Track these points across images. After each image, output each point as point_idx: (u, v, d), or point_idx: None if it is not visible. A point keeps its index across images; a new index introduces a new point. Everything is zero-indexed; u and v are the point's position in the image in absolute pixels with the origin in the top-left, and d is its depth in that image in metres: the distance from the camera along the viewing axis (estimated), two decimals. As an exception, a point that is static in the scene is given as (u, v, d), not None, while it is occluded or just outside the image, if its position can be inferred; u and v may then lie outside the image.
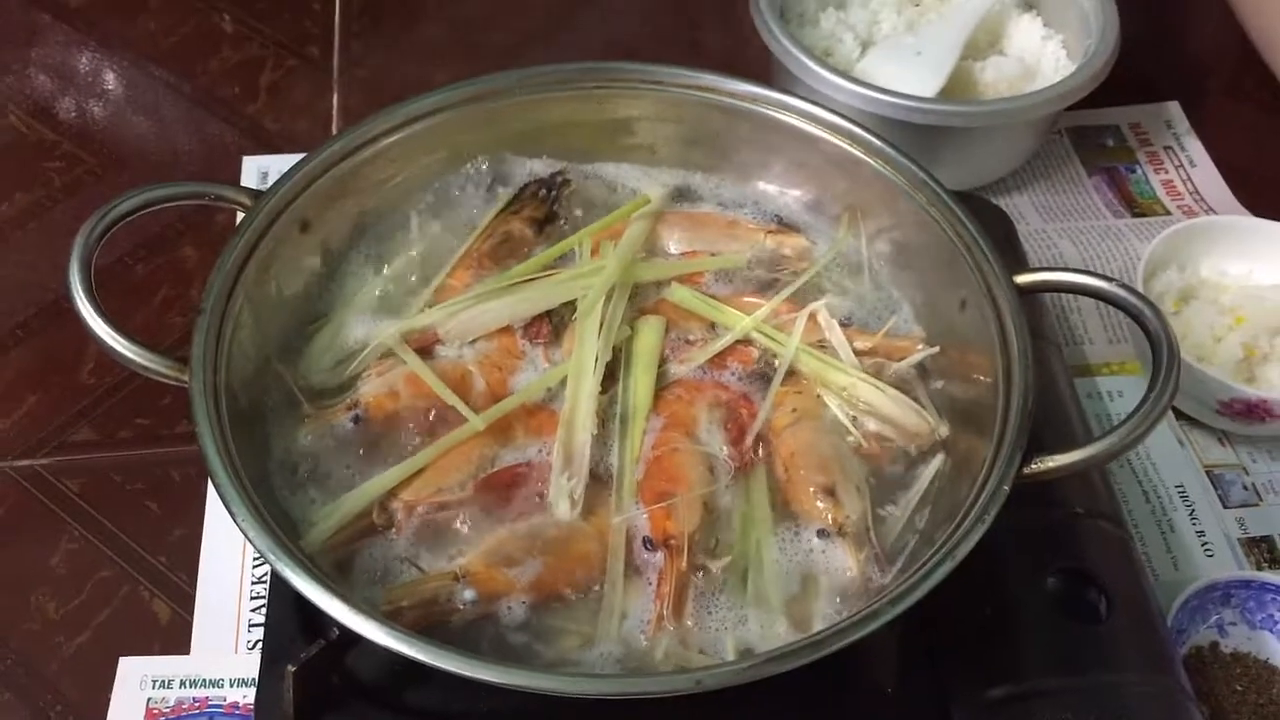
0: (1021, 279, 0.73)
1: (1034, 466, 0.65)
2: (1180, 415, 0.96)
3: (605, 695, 0.59)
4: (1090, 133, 1.20)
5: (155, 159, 1.17)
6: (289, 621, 0.70)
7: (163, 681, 0.81)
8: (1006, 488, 0.64)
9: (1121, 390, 1.00)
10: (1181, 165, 1.18)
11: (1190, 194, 1.16)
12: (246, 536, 0.61)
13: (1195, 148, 1.19)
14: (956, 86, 1.09)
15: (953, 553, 0.61)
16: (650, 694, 0.59)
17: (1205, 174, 1.17)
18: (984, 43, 1.15)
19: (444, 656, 0.57)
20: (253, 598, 0.86)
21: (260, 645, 0.81)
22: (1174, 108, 1.22)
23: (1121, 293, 0.70)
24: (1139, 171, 1.18)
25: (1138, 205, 1.14)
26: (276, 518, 0.65)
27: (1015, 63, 1.12)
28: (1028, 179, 1.15)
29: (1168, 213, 1.13)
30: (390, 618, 0.62)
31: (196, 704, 0.80)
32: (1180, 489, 0.94)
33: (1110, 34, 1.07)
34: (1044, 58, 1.13)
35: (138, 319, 1.02)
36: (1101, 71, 1.05)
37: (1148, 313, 0.69)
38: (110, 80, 1.25)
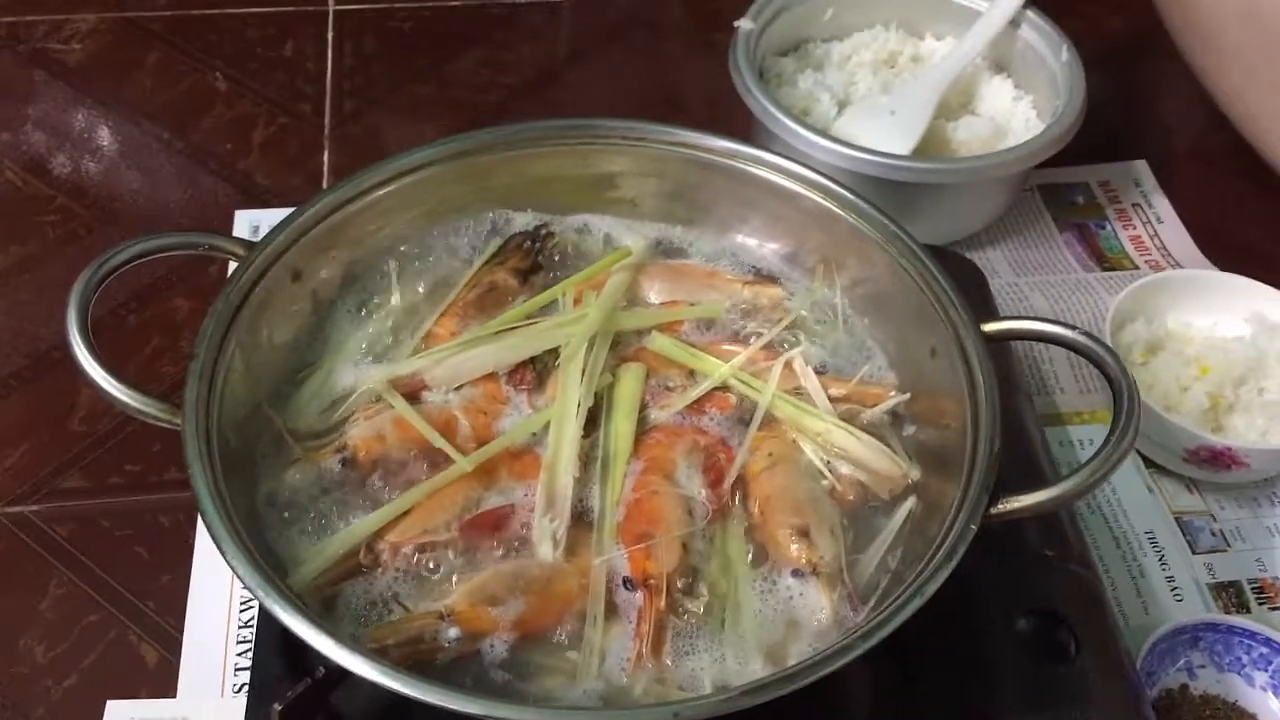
0: (989, 327, 0.75)
1: (1001, 507, 0.66)
2: (1149, 463, 0.98)
3: None
4: (1061, 190, 1.23)
5: (149, 213, 1.18)
6: (275, 661, 0.71)
7: None
8: (974, 526, 0.65)
9: (1092, 438, 1.01)
10: (1149, 222, 1.20)
11: (1158, 249, 1.18)
12: (236, 573, 0.62)
13: (1162, 205, 1.21)
14: (930, 145, 1.12)
15: (922, 590, 0.63)
16: None
17: (1172, 230, 1.19)
18: (956, 103, 1.18)
19: (431, 691, 0.58)
20: (239, 641, 0.86)
21: (246, 688, 0.81)
22: (1142, 166, 1.25)
23: (1083, 340, 0.72)
24: (1108, 228, 1.20)
25: (1107, 260, 1.17)
26: (265, 556, 0.66)
27: (987, 122, 1.15)
28: (1000, 234, 1.17)
29: (1135, 267, 1.16)
30: (375, 656, 0.62)
31: None
32: (1150, 535, 0.96)
33: (1078, 95, 1.10)
34: (1015, 117, 1.17)
35: (130, 368, 1.03)
36: (1069, 130, 1.08)
37: (1108, 359, 0.72)
38: (105, 137, 1.26)
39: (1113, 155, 1.25)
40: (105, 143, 1.27)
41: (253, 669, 0.73)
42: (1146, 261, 1.17)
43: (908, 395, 0.79)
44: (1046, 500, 0.67)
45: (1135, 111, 1.33)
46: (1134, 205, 1.22)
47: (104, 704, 0.82)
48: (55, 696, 0.83)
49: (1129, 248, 1.18)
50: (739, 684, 0.65)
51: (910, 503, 0.75)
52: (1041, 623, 0.75)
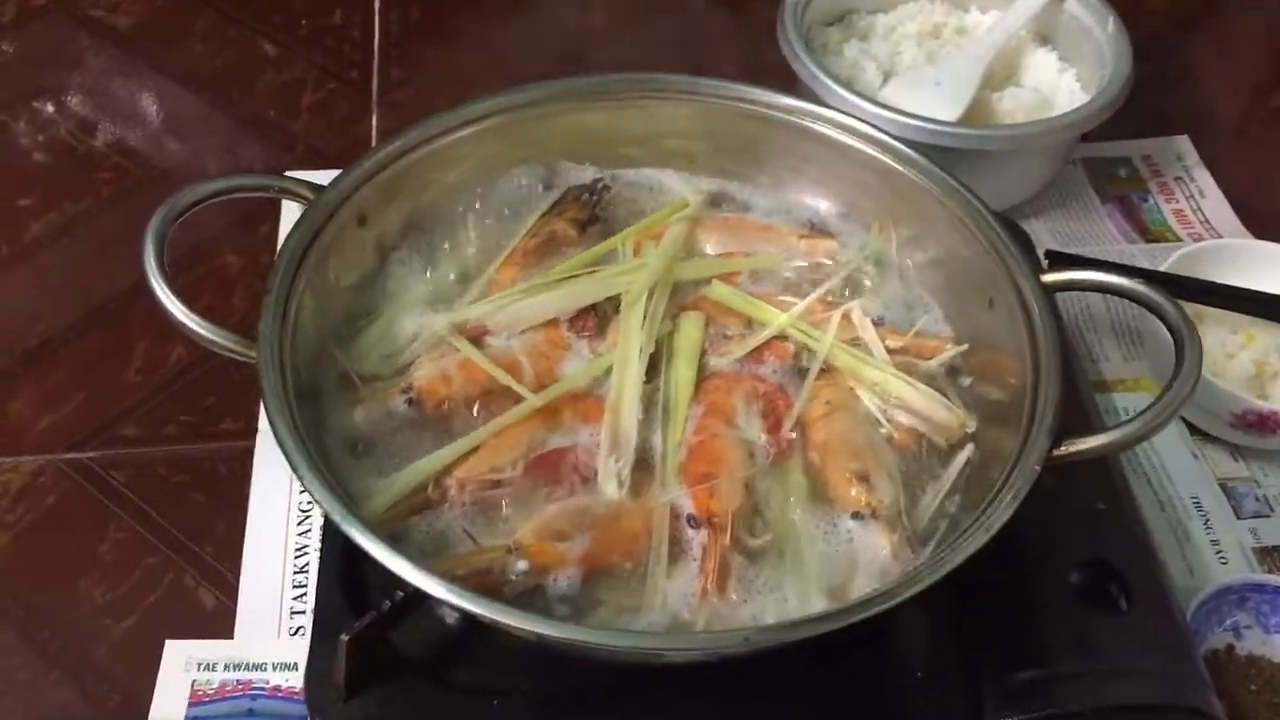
0: (1048, 277, 0.75)
1: (1065, 448, 0.67)
2: (1194, 430, 0.98)
3: (657, 649, 0.61)
4: (1104, 164, 1.23)
5: (198, 174, 1.19)
6: (336, 598, 0.72)
7: (207, 664, 0.82)
8: (1038, 467, 0.65)
9: (1136, 406, 1.01)
10: (1191, 195, 1.20)
11: (1200, 222, 1.18)
12: (314, 497, 0.62)
13: (1204, 178, 1.21)
14: (975, 116, 1.11)
15: (987, 524, 0.63)
16: (700, 650, 0.61)
17: (1213, 203, 1.19)
18: (1001, 75, 1.18)
19: (505, 611, 0.59)
20: (295, 586, 0.87)
21: (301, 631, 0.84)
22: (1184, 141, 1.25)
23: (1143, 289, 0.72)
24: (1151, 200, 1.20)
25: (1149, 232, 1.17)
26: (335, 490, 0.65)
27: (1032, 94, 1.15)
28: (1044, 206, 1.17)
29: (1178, 239, 1.15)
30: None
31: (240, 686, 0.81)
32: (1195, 500, 0.95)
33: (1124, 66, 1.10)
34: (1059, 89, 1.16)
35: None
36: (1115, 101, 1.07)
37: (1168, 307, 0.71)
38: (155, 101, 1.27)
39: (1155, 130, 1.25)
40: (155, 107, 1.27)
41: (316, 606, 0.74)
42: (1189, 234, 1.16)
43: (965, 347, 0.78)
44: (1110, 443, 0.67)
45: (1178, 87, 1.33)
46: (1176, 179, 1.22)
47: (163, 643, 0.82)
48: (115, 635, 0.83)
49: (1171, 220, 1.18)
50: None
51: (968, 451, 0.75)
52: (1094, 574, 0.75)
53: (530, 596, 0.67)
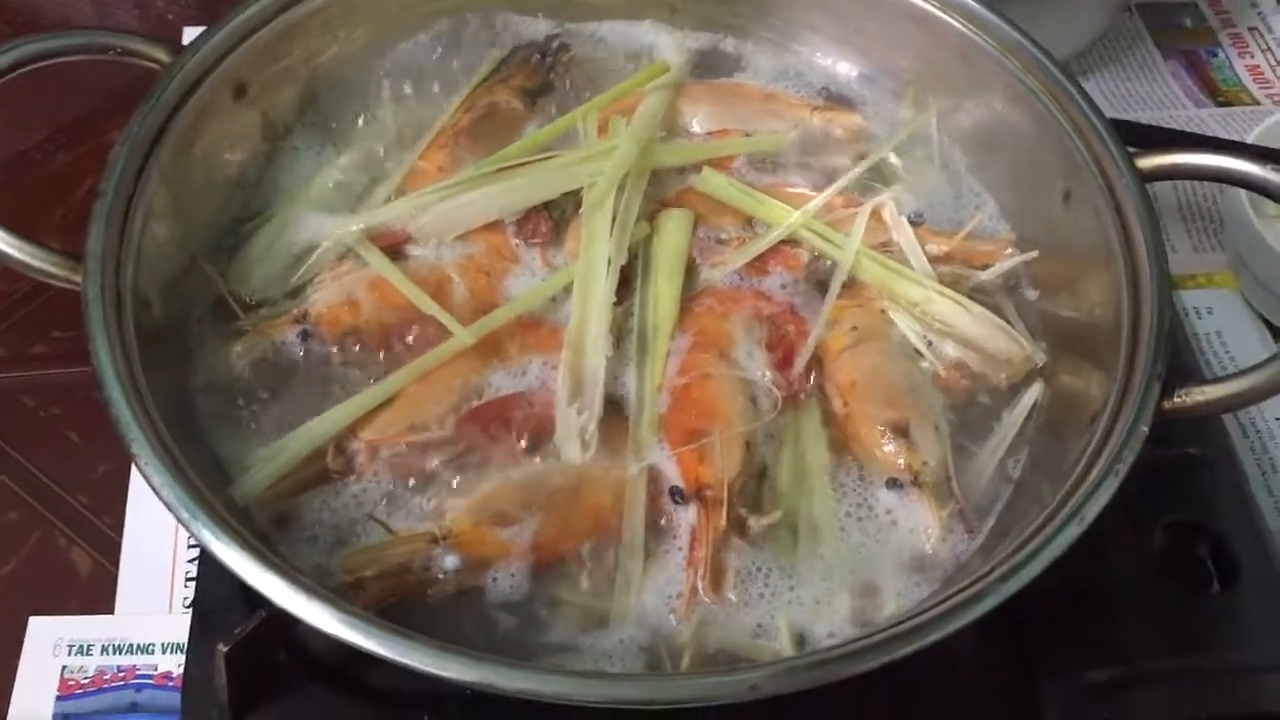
0: (1145, 162, 0.64)
1: (1178, 400, 0.56)
2: (1277, 333, 0.88)
3: (626, 704, 0.49)
4: (1165, 10, 1.10)
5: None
6: (224, 584, 0.63)
7: (81, 647, 0.73)
8: (1145, 428, 0.55)
9: (1210, 306, 0.90)
10: (1269, 48, 1.08)
11: None
12: (150, 485, 0.53)
13: None
14: None
15: (1079, 513, 0.53)
16: (686, 702, 0.49)
17: None
18: (1046, -98, 1.05)
19: (411, 649, 0.49)
20: (191, 546, 0.76)
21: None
22: None
23: None
24: (1221, 55, 1.08)
25: (1221, 93, 1.05)
26: (199, 459, 0.58)
27: (1081, -75, 1.03)
28: (1094, 63, 1.05)
29: (1256, 102, 1.03)
30: (349, 591, 0.55)
31: (121, 674, 0.72)
32: None
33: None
34: (1113, -80, 1.05)
35: (55, 216, 0.92)
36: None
37: None
38: None
39: None
40: None
41: (196, 594, 0.66)
42: (1269, 95, 1.04)
43: (1033, 254, 0.69)
44: (1243, 392, 0.57)
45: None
46: (1250, 29, 1.09)
47: (26, 621, 0.73)
48: None
49: (1246, 79, 1.06)
50: (819, 629, 0.58)
51: (1035, 391, 0.66)
52: (1183, 538, 0.67)
53: (464, 601, 0.58)
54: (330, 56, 0.75)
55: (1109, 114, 0.96)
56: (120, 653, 0.72)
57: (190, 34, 1.02)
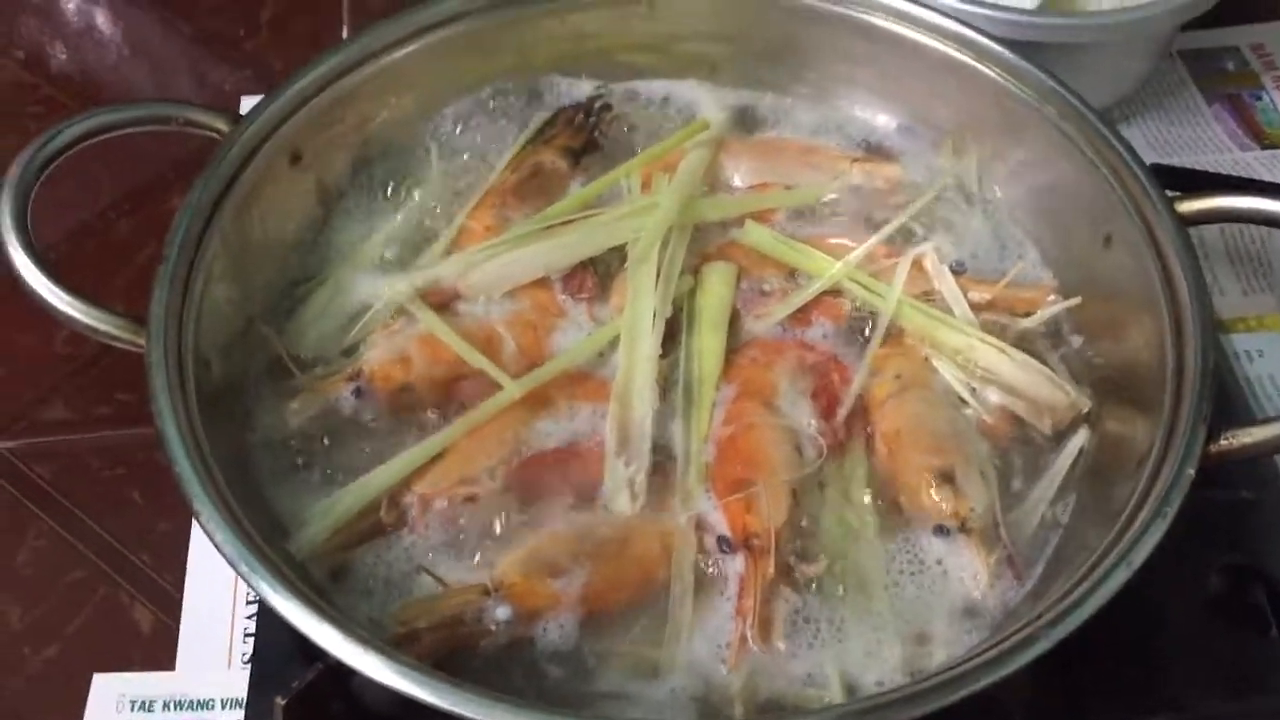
0: (1186, 206, 0.64)
1: (1224, 443, 0.56)
2: None
3: None
4: (1207, 55, 1.09)
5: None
6: (282, 638, 0.61)
7: (143, 703, 0.73)
8: (1191, 471, 0.55)
9: (1261, 349, 0.88)
10: None
11: None
12: (212, 541, 0.53)
13: None
14: (1056, 3, 0.97)
15: (1127, 558, 0.52)
16: None
17: None
18: (1087, -45, 1.07)
19: (464, 699, 0.49)
20: (250, 601, 0.76)
21: (254, 662, 0.76)
22: None
23: None
24: (1266, 98, 1.06)
25: (1266, 136, 1.03)
26: (258, 515, 0.58)
27: (1122, -26, 1.04)
28: (1138, 109, 1.04)
29: None
30: (403, 642, 0.55)
31: None
32: None
33: (1235, -60, 0.95)
34: (1152, -31, 1.05)
35: (119, 281, 0.93)
36: (1224, -18, 0.96)
37: None
38: (101, 21, 1.16)
39: (1267, 13, 1.12)
40: (101, 28, 1.16)
41: (255, 648, 0.67)
42: None
43: (1076, 300, 0.69)
44: None
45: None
46: None
47: (90, 678, 0.74)
48: (32, 668, 0.75)
49: None
50: (868, 678, 0.57)
51: (1081, 437, 0.65)
52: (1238, 581, 0.66)
53: (515, 652, 0.58)
54: (381, 122, 0.75)
55: (1153, 159, 0.97)
56: (181, 709, 0.72)
57: (247, 103, 1.04)
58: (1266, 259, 0.93)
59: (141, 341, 0.58)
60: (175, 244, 0.62)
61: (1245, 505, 0.68)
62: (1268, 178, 0.97)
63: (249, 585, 0.52)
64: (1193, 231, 0.75)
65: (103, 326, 0.59)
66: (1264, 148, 1.02)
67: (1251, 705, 0.62)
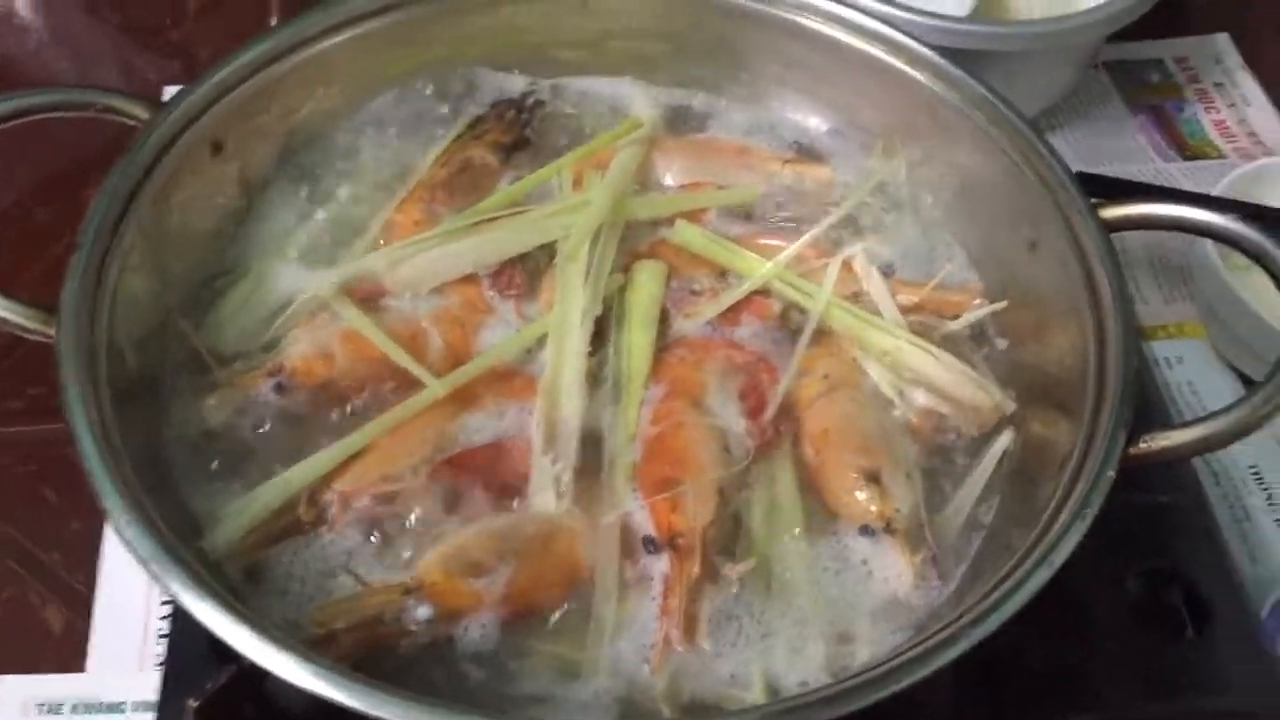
0: (1110, 212, 0.64)
1: (1144, 446, 0.56)
2: (1248, 382, 0.87)
3: None
4: (1132, 68, 1.10)
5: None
6: (196, 640, 0.61)
7: (51, 706, 0.72)
8: (1112, 472, 0.55)
9: (1180, 356, 0.89)
10: (1235, 103, 1.07)
11: (1246, 135, 1.05)
12: (122, 538, 0.51)
13: (1249, 84, 1.08)
14: (985, 11, 0.98)
15: (1048, 558, 0.52)
16: None
17: (1261, 113, 1.06)
18: (1016, -34, 1.07)
19: (382, 701, 0.48)
20: (164, 602, 0.75)
21: (168, 664, 0.74)
22: (1223, 40, 1.11)
23: (1243, 229, 0.60)
24: (1187, 110, 1.08)
25: (1188, 147, 1.04)
26: (173, 512, 0.56)
27: (1052, -15, 1.04)
28: (1065, 118, 1.05)
29: (1222, 155, 1.03)
30: (320, 644, 0.54)
31: None
32: (1254, 470, 0.83)
33: (1158, -45, 0.97)
34: (1082, -17, 1.06)
35: (35, 270, 0.90)
36: (1147, -5, 0.97)
37: (1276, 253, 0.59)
38: (21, 6, 1.13)
39: (1190, 28, 1.13)
40: (21, 15, 1.13)
41: (168, 649, 0.65)
42: (1234, 149, 1.04)
43: (1002, 304, 0.69)
44: (1203, 438, 0.57)
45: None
46: (1216, 85, 1.09)
47: None
48: None
49: (1213, 133, 1.05)
50: (793, 678, 0.57)
51: (1005, 439, 0.65)
52: (1156, 585, 0.67)
53: (435, 652, 0.57)
54: (307, 113, 0.74)
55: (1078, 168, 0.97)
56: (91, 711, 0.71)
57: (171, 93, 1.05)
58: (1188, 268, 0.94)
59: (52, 331, 0.57)
60: (90, 232, 0.60)
61: (1163, 509, 0.69)
62: (1190, 188, 0.98)
63: (160, 584, 0.51)
64: (1116, 240, 0.76)
65: (11, 316, 0.57)
66: (1186, 159, 1.03)
67: (1171, 706, 0.63)
